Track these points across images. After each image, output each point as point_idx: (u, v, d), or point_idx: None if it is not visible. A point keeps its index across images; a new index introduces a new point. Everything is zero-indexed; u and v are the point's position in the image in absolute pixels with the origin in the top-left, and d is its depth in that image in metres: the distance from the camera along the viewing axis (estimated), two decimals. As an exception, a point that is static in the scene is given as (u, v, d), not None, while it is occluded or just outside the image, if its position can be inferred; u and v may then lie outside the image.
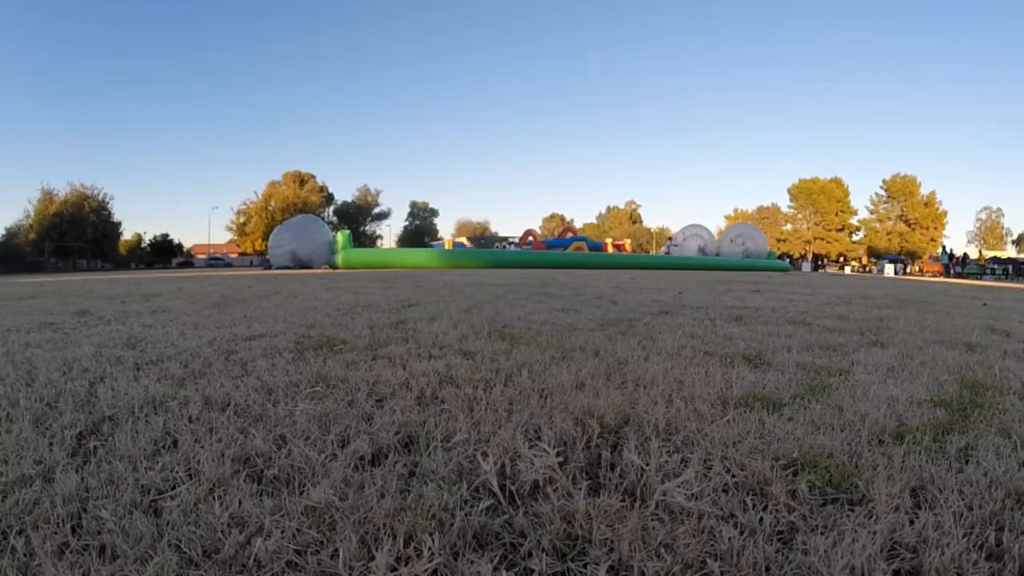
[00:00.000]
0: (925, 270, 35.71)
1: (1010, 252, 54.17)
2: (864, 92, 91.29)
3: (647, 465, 1.28)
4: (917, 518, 1.09)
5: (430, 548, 0.97)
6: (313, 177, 57.18)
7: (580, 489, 1.17)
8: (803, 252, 55.97)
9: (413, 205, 72.00)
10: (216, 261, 53.48)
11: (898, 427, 1.60)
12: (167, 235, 58.35)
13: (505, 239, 46.84)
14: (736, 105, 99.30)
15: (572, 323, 3.74)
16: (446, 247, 33.27)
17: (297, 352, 2.68)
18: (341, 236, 24.37)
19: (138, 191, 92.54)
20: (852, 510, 1.13)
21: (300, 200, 52.64)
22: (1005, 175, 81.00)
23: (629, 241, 44.98)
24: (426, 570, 0.93)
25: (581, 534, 1.04)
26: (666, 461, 1.32)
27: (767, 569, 0.95)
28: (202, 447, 1.41)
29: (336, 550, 0.98)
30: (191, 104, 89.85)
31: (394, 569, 0.94)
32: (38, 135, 78.56)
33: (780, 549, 1.00)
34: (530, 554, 0.99)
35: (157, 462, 1.33)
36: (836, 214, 56.51)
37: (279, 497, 1.17)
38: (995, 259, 33.19)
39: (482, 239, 52.73)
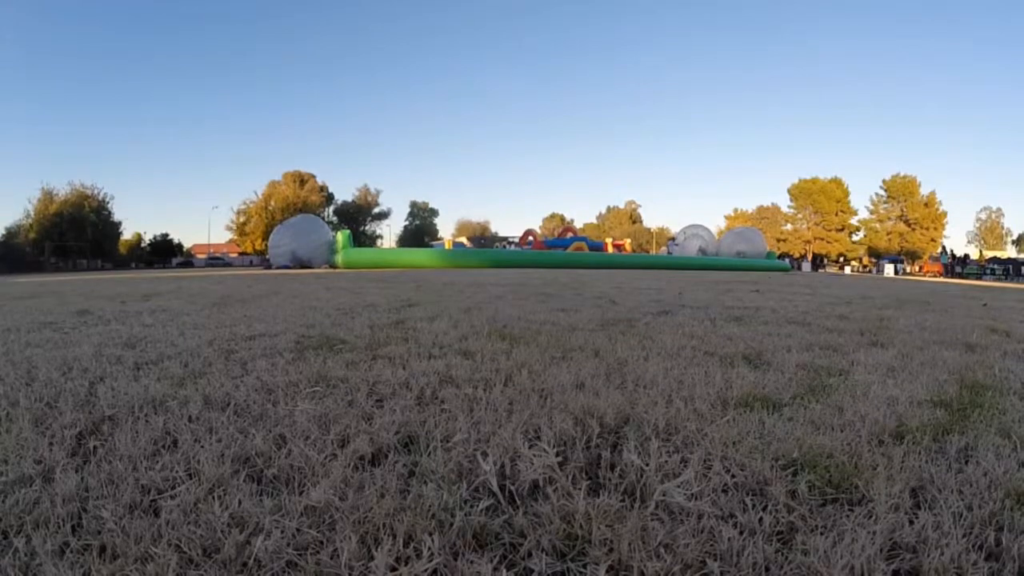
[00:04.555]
0: (925, 270, 35.70)
1: (1010, 252, 54.15)
2: (864, 92, 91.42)
3: (647, 465, 1.28)
4: (917, 518, 1.09)
5: (430, 548, 0.97)
6: (313, 177, 57.16)
7: (580, 489, 1.17)
8: (803, 252, 55.97)
9: (413, 205, 72.02)
10: (216, 261, 53.45)
11: (898, 427, 1.60)
12: (167, 235, 58.34)
13: (505, 239, 46.86)
14: (736, 105, 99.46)
15: (572, 323, 3.74)
16: (446, 247, 33.25)
17: (297, 352, 2.68)
18: (341, 236, 24.35)
19: (138, 191, 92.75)
20: (852, 510, 1.13)
21: (300, 200, 52.60)
22: (1005, 175, 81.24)
23: (629, 241, 44.99)
24: (426, 570, 0.93)
25: (581, 534, 1.04)
26: (666, 461, 1.32)
27: (767, 569, 0.95)
28: (202, 447, 1.41)
29: (336, 550, 0.98)
30: (191, 104, 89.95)
31: (394, 569, 0.94)
32: (38, 135, 78.58)
33: (780, 549, 1.00)
34: (530, 554, 0.99)
35: (157, 462, 1.33)
36: (836, 214, 56.50)
37: (279, 497, 1.17)
38: (995, 259, 33.16)
39: (482, 239, 52.77)
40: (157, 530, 1.04)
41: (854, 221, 57.66)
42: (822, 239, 56.20)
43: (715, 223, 61.08)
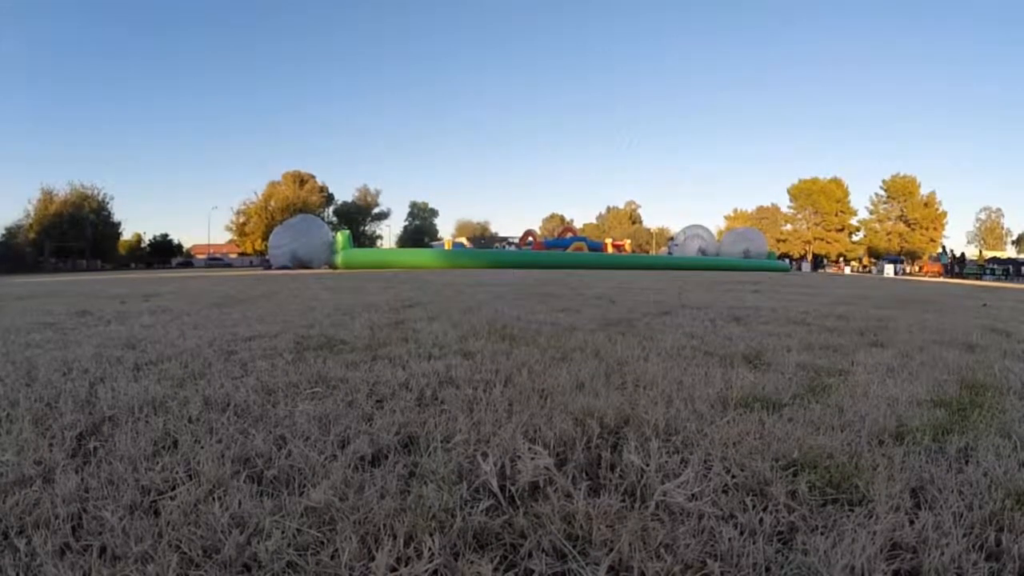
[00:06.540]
0: (925, 270, 35.68)
1: (1010, 252, 54.13)
2: (864, 92, 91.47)
3: (647, 465, 1.28)
4: (917, 518, 1.09)
5: (430, 548, 0.97)
6: (313, 177, 57.19)
7: (580, 489, 1.17)
8: (803, 252, 55.99)
9: (413, 205, 72.02)
10: (216, 261, 53.44)
11: (898, 427, 1.60)
12: (167, 235, 58.42)
13: (505, 239, 46.88)
14: (736, 105, 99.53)
15: (572, 323, 3.74)
16: (446, 247, 33.26)
17: (297, 352, 2.68)
18: (341, 236, 24.37)
19: (138, 191, 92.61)
20: (852, 510, 1.13)
21: (300, 200, 52.63)
22: (1005, 175, 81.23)
23: (629, 241, 45.02)
24: (426, 570, 0.93)
25: (581, 534, 1.04)
26: (666, 461, 1.32)
27: (767, 569, 0.95)
28: (202, 448, 1.41)
29: (336, 550, 0.98)
30: (191, 104, 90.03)
31: (394, 569, 0.94)
32: (38, 135, 78.59)
33: (780, 549, 1.00)
34: (530, 554, 0.99)
35: (157, 462, 1.32)
36: (836, 214, 56.54)
37: (279, 497, 1.17)
38: (995, 259, 33.17)
39: (482, 239, 52.82)
40: (157, 531, 1.04)
41: (854, 221, 57.75)
42: (822, 239, 56.23)
43: (715, 223, 61.22)
